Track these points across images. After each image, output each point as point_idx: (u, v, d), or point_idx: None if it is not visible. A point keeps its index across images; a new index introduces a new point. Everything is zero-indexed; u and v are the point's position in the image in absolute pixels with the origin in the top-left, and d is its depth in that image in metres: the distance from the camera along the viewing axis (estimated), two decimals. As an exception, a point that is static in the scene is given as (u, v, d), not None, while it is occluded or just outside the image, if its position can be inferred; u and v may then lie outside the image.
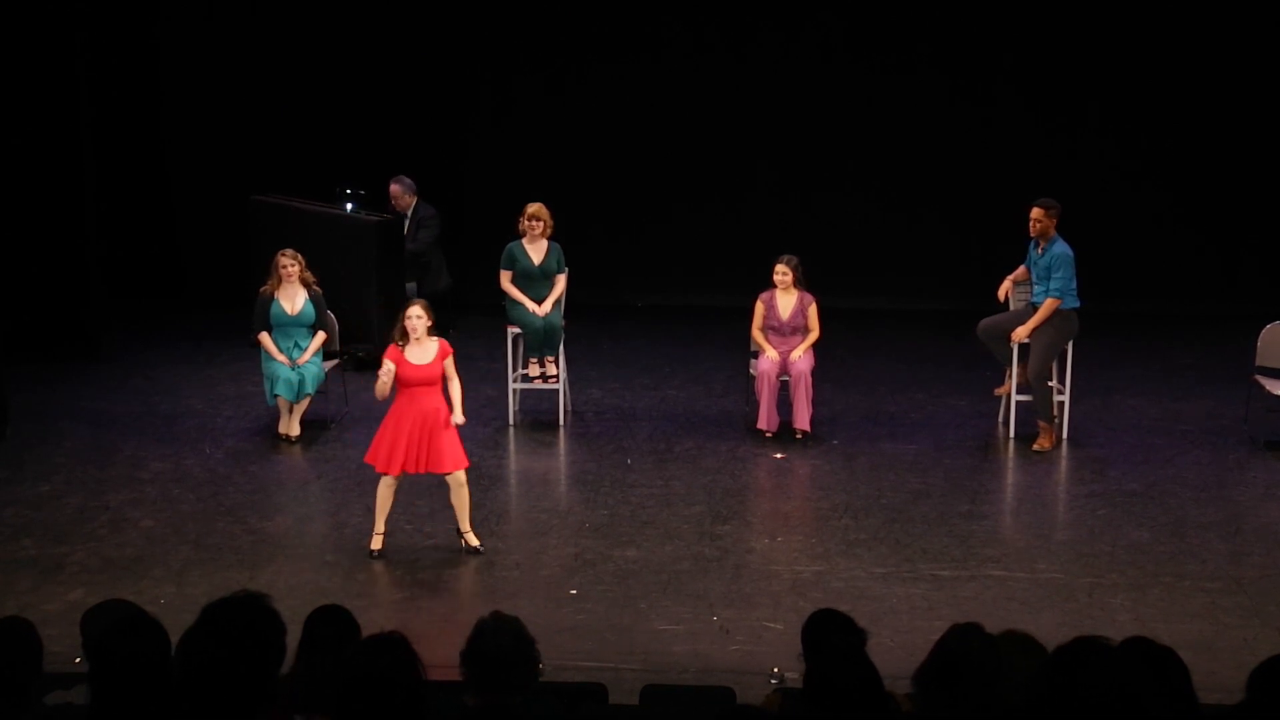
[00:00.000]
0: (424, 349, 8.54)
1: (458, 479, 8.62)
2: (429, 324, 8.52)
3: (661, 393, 11.80)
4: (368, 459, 8.70)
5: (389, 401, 8.58)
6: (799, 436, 10.59)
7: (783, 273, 10.62)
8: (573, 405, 11.26)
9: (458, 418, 8.71)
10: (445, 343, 8.69)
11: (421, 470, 8.59)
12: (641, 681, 6.38)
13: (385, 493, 8.63)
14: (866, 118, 13.98)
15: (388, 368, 8.39)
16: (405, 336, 8.51)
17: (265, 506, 9.54)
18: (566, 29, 14.08)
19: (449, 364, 8.64)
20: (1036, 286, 10.50)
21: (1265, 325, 10.79)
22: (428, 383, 8.54)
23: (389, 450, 8.50)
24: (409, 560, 8.66)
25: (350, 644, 4.63)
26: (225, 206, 13.68)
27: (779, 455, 10.42)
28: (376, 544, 8.67)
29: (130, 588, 8.00)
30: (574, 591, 8.29)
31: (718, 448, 10.53)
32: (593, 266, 12.73)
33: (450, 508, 8.75)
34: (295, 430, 10.54)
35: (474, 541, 8.70)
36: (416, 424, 8.48)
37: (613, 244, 14.10)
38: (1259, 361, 10.70)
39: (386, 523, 8.69)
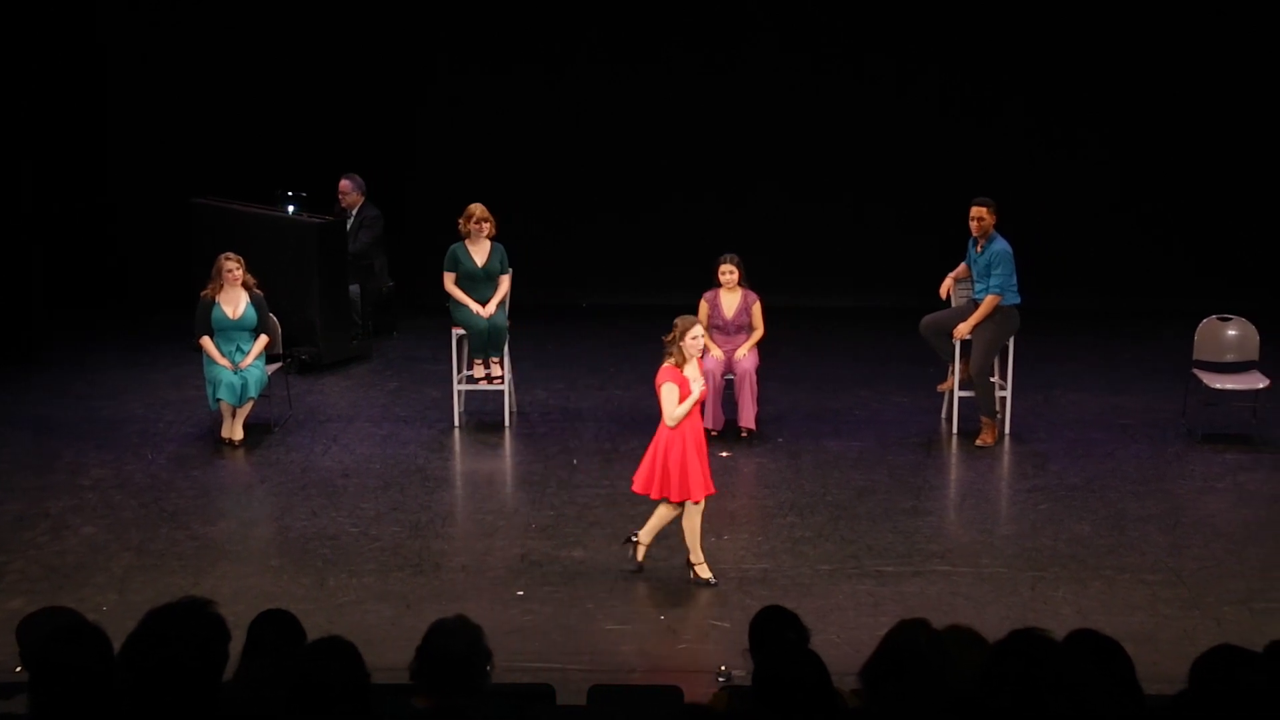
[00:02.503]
0: (694, 368, 8.24)
1: (699, 506, 8.26)
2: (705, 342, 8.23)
3: (607, 393, 11.81)
4: (678, 495, 8.17)
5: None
6: (744, 435, 10.63)
7: (728, 271, 10.65)
8: (518, 406, 11.25)
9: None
10: (700, 360, 8.37)
11: (701, 496, 8.24)
12: (589, 682, 6.39)
13: (698, 518, 8.21)
14: (809, 116, 14.03)
15: (698, 391, 8.07)
16: (682, 356, 8.17)
17: (208, 511, 9.46)
18: (510, 30, 14.05)
19: None
20: (977, 284, 10.59)
21: (1202, 320, 10.94)
22: (700, 401, 8.28)
23: (695, 476, 8.11)
24: (354, 564, 8.61)
25: (295, 648, 4.61)
26: (166, 210, 13.56)
27: (724, 454, 10.45)
28: (707, 572, 8.31)
29: (72, 595, 7.91)
30: (521, 592, 8.28)
31: (663, 447, 10.54)
32: (537, 267, 12.70)
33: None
34: (238, 434, 10.46)
35: (706, 574, 8.31)
36: (694, 444, 8.21)
37: (557, 244, 14.08)
38: (1196, 355, 10.84)
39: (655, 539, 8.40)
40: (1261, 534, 9.08)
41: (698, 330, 8.15)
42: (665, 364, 8.18)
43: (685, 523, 8.29)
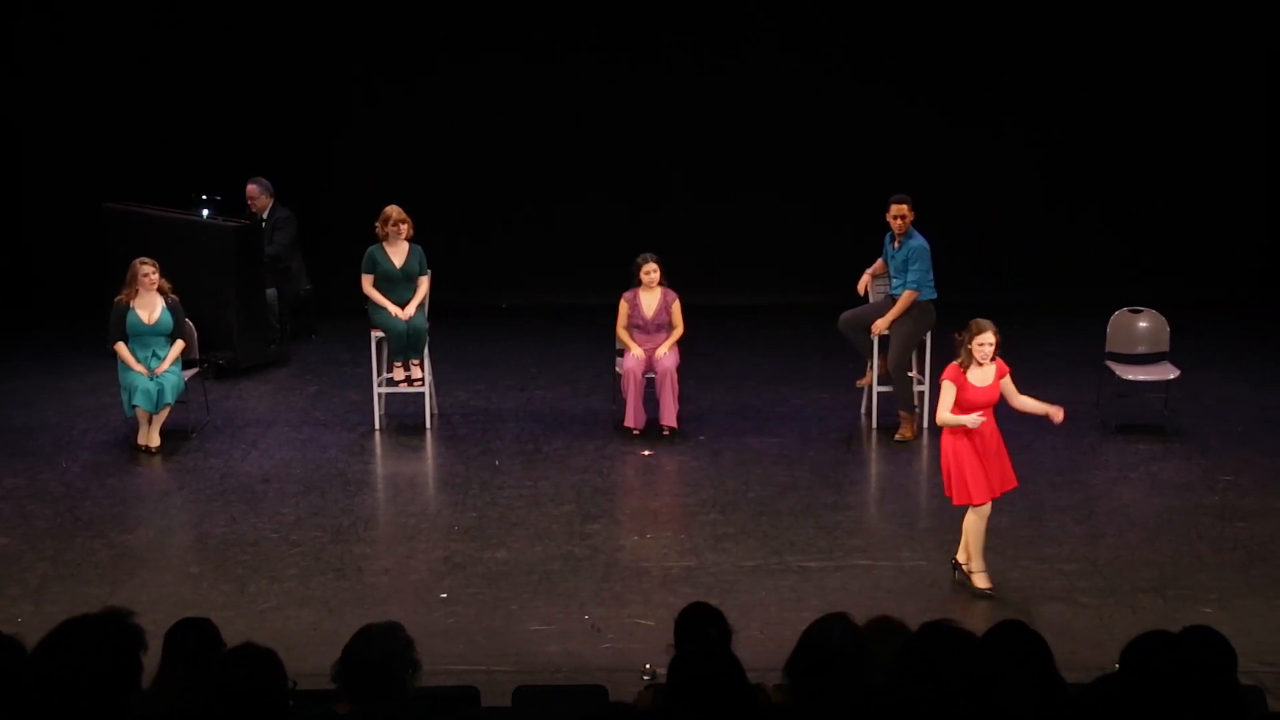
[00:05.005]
0: (985, 371, 8.06)
1: (982, 510, 8.09)
2: (996, 347, 8.01)
3: (528, 393, 11.79)
4: (962, 500, 8.08)
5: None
6: (666, 433, 10.66)
7: (650, 270, 10.68)
8: (439, 408, 11.20)
9: (1056, 413, 8.26)
10: (1002, 362, 8.13)
11: (998, 494, 8.13)
12: (514, 683, 6.39)
13: (980, 524, 8.09)
14: (722, 115, 14.08)
15: (971, 420, 7.93)
16: (970, 358, 8.02)
17: (126, 519, 9.34)
18: (422, 29, 13.98)
19: (1006, 383, 8.15)
20: (894, 279, 10.69)
21: (1114, 312, 11.11)
22: (990, 404, 8.07)
23: (975, 481, 7.99)
24: (275, 569, 8.54)
25: (213, 656, 4.57)
26: (76, 214, 13.37)
27: (646, 452, 10.47)
28: (984, 582, 8.13)
29: (-15, 607, 7.79)
30: (444, 595, 8.25)
31: (585, 446, 10.55)
32: (456, 268, 12.66)
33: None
34: (155, 441, 10.33)
35: (983, 584, 8.12)
36: (985, 447, 8.04)
37: (475, 245, 14.04)
38: (1109, 347, 11.01)
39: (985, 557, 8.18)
40: (1174, 522, 9.24)
41: (986, 338, 8.00)
42: (953, 362, 8.10)
43: (966, 525, 8.17)
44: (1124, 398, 10.80)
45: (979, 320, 8.13)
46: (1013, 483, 8.27)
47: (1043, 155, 14.23)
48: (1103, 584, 8.34)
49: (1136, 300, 11.25)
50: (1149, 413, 10.87)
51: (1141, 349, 11.00)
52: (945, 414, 8.08)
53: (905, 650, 4.09)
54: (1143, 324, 11.06)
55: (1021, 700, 4.16)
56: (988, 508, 8.13)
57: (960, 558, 8.28)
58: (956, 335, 8.17)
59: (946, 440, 8.14)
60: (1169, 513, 9.43)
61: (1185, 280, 13.83)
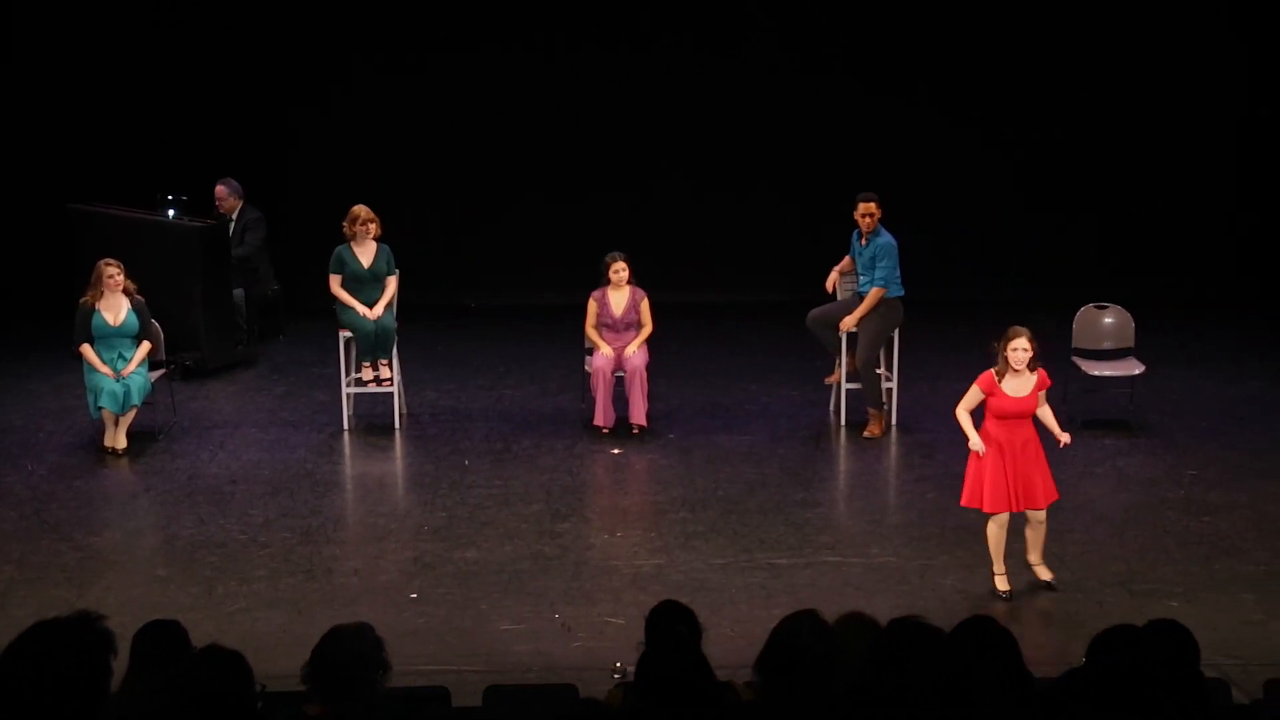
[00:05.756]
0: (1022, 380, 8.01)
1: (1042, 514, 8.15)
2: (1031, 355, 8.00)
3: (497, 393, 11.78)
4: (969, 503, 8.14)
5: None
6: (635, 431, 10.66)
7: (619, 269, 10.68)
8: (408, 408, 11.18)
9: (1063, 436, 8.25)
10: (1044, 373, 8.09)
11: (1018, 508, 8.08)
12: (484, 683, 6.39)
13: (999, 532, 8.10)
14: (692, 112, 14.09)
15: (975, 444, 8.01)
16: (1005, 365, 8.01)
17: (92, 522, 9.29)
18: (388, 27, 13.95)
19: (1041, 395, 8.10)
20: (862, 277, 10.73)
21: (1079, 308, 11.17)
22: (1024, 415, 8.04)
23: (993, 488, 8.00)
24: (243, 571, 8.51)
25: (181, 659, 4.55)
26: (40, 216, 13.27)
27: (616, 451, 10.48)
28: (1004, 585, 8.14)
29: (-49, 612, 7.74)
30: (414, 595, 8.24)
31: (555, 445, 10.55)
32: (424, 267, 12.64)
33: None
34: (122, 443, 10.28)
35: (1046, 575, 8.20)
36: (1014, 457, 8.03)
37: (444, 244, 14.02)
38: (1075, 343, 11.07)
39: (1005, 561, 8.18)
40: (1140, 517, 9.31)
41: (1020, 343, 7.97)
42: (989, 369, 8.08)
43: (1029, 529, 8.20)
44: (1090, 393, 10.86)
45: (1014, 327, 8.12)
46: (1040, 502, 8.15)
47: (1018, 155, 14.27)
48: (1069, 578, 8.39)
49: (1104, 297, 11.32)
50: (1115, 408, 10.94)
51: (1107, 345, 11.07)
52: (960, 412, 8.16)
53: (874, 646, 4.12)
54: (1108, 320, 11.12)
55: (990, 695, 4.18)
56: (1005, 517, 8.11)
57: (1031, 558, 8.27)
58: (996, 344, 8.15)
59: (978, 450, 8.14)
60: (1135, 507, 9.49)
61: (1151, 277, 13.91)
